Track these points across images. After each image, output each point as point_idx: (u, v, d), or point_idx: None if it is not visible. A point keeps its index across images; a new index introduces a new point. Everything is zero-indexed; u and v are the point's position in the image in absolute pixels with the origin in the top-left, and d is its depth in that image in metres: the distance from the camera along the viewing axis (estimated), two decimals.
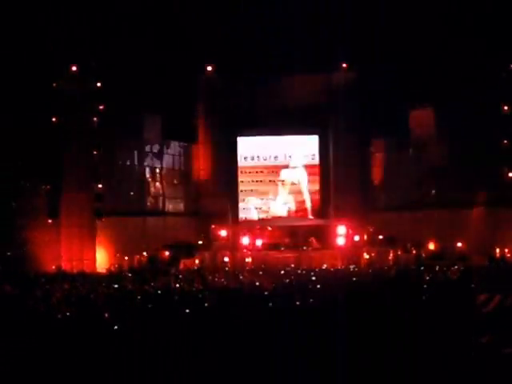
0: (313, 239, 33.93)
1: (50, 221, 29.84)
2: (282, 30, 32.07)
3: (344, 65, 34.91)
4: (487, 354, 9.76)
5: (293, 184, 36.53)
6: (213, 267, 29.96)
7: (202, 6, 31.83)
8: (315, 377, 9.81)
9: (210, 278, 22.96)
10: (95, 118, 30.65)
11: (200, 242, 33.20)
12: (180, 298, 14.35)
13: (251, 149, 36.82)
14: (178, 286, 19.48)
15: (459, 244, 31.31)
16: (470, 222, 31.64)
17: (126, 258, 31.02)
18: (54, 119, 29.92)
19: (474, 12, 29.75)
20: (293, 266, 29.13)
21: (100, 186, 30.48)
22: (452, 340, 10.50)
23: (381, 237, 33.16)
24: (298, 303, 12.72)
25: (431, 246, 32.54)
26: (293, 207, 36.59)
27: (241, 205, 36.61)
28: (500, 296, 12.25)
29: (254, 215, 36.47)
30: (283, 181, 36.48)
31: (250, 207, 36.57)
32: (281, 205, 36.45)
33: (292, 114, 35.34)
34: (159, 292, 16.49)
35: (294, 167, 36.60)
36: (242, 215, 36.40)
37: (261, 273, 24.50)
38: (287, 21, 32.06)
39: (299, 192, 36.72)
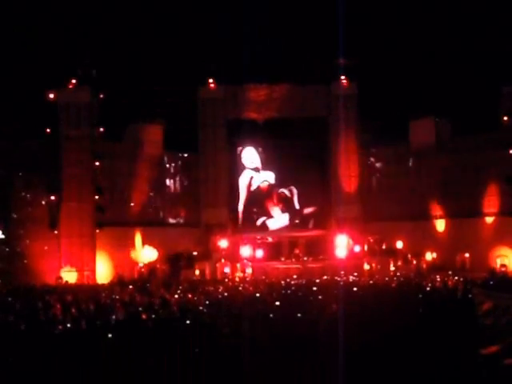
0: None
1: (50, 231, 29.80)
2: (283, 42, 32.15)
3: (343, 76, 34.92)
4: (489, 365, 9.72)
5: (286, 197, 36.42)
6: (213, 278, 29.92)
7: (203, 16, 31.94)
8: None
9: (212, 289, 22.90)
10: (96, 129, 30.69)
11: (195, 253, 33.08)
12: (180, 311, 14.31)
13: (252, 159, 36.74)
14: (176, 296, 19.44)
15: (466, 255, 31.27)
16: (472, 233, 31.63)
17: (127, 269, 30.95)
18: (54, 130, 29.95)
19: (476, 24, 29.84)
20: (295, 276, 29.12)
21: (100, 196, 30.45)
22: (454, 351, 10.46)
23: (384, 247, 33.16)
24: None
25: (432, 257, 32.49)
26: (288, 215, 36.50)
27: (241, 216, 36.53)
28: (503, 306, 12.22)
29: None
30: (279, 194, 36.34)
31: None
32: (280, 213, 36.27)
33: (292, 125, 35.39)
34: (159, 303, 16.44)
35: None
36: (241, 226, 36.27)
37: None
38: (288, 32, 32.16)
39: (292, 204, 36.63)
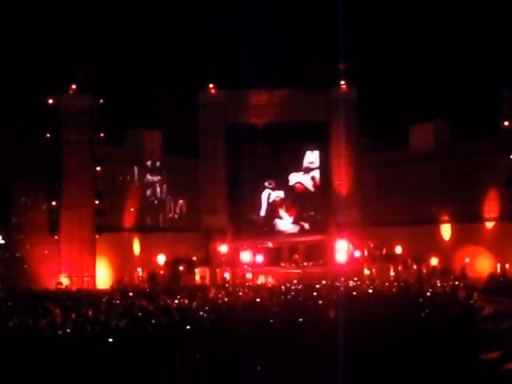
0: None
1: (50, 237, 29.77)
2: (283, 46, 32.20)
3: (343, 80, 34.94)
4: (489, 370, 9.72)
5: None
6: (213, 283, 29.91)
7: (203, 23, 31.98)
8: None
9: (211, 294, 22.89)
10: (96, 134, 30.69)
11: (194, 258, 33.12)
12: (180, 316, 14.30)
13: (252, 163, 36.80)
14: (177, 302, 19.44)
15: (467, 259, 31.25)
16: (472, 238, 31.60)
17: (126, 274, 30.92)
18: (55, 135, 29.96)
19: (475, 28, 29.89)
20: (295, 281, 29.19)
21: (100, 201, 30.42)
22: (454, 356, 10.46)
23: (384, 252, 33.15)
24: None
25: (432, 262, 32.45)
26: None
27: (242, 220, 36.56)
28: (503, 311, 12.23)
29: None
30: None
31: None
32: (289, 224, 36.43)
33: (292, 129, 35.46)
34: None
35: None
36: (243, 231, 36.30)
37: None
38: (288, 36, 32.22)
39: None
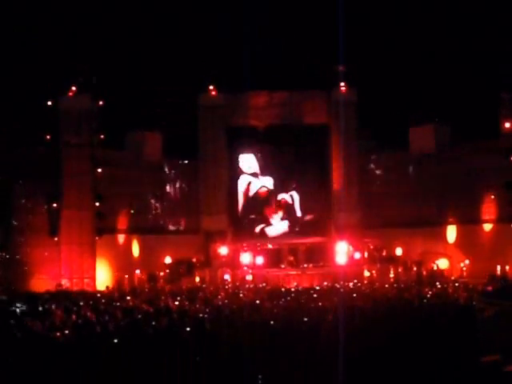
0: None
1: (50, 239, 29.77)
2: (283, 48, 32.23)
3: (343, 82, 34.89)
4: (490, 373, 9.70)
5: (287, 203, 36.41)
6: (213, 285, 29.89)
7: (203, 25, 31.99)
8: None
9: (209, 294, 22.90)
10: (96, 136, 30.68)
11: (194, 260, 33.11)
12: (180, 318, 14.29)
13: (250, 165, 36.69)
14: (177, 303, 19.44)
15: (467, 261, 31.23)
16: (472, 240, 31.59)
17: (126, 276, 30.89)
18: (55, 137, 29.96)
19: (475, 30, 29.90)
20: (295, 283, 29.22)
21: (100, 204, 30.41)
22: (454, 359, 10.45)
23: (384, 254, 33.14)
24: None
25: (432, 264, 32.45)
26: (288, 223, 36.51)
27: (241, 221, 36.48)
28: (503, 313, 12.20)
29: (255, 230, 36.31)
30: (280, 201, 36.34)
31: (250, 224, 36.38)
32: (279, 221, 36.30)
33: (291, 131, 35.44)
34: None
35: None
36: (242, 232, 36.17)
37: None
38: (287, 38, 32.24)
39: (294, 210, 36.61)
